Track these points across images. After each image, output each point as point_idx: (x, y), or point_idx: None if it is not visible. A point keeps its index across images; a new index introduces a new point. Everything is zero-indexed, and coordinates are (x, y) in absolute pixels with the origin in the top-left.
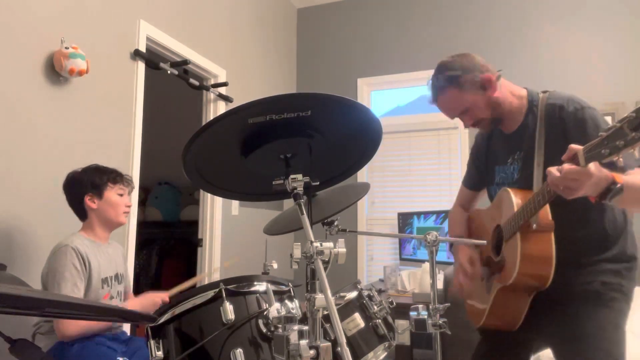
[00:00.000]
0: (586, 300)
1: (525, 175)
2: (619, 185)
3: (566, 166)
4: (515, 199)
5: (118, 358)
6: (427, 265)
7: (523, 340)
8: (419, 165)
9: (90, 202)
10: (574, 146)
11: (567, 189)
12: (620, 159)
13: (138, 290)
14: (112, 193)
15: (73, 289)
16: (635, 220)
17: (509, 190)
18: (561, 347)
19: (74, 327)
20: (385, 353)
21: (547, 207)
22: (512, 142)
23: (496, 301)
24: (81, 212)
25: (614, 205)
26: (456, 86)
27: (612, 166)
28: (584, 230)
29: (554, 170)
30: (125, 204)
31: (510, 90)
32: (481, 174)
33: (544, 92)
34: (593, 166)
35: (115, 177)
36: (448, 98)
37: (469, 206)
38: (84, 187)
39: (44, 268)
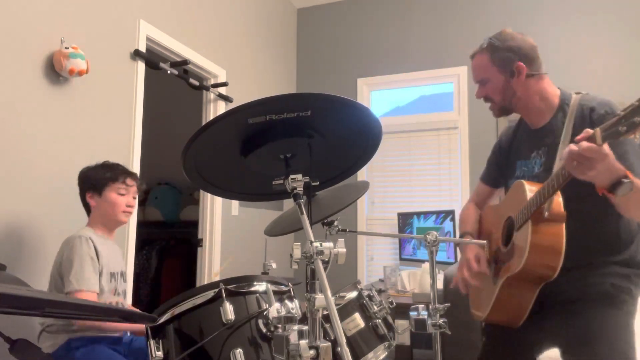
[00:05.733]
0: (596, 301)
1: (547, 169)
2: (629, 180)
3: (584, 143)
4: (529, 188)
5: None
6: (427, 265)
7: (530, 340)
8: (419, 165)
9: (90, 200)
10: (589, 130)
11: (580, 166)
12: (637, 137)
13: (138, 290)
14: (111, 192)
15: (94, 274)
16: None
17: (523, 181)
18: (571, 348)
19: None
20: (385, 353)
21: (560, 199)
22: (538, 137)
23: (502, 292)
24: (87, 207)
25: (620, 204)
26: (489, 54)
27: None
28: (597, 229)
29: (572, 145)
30: (126, 204)
31: (542, 91)
32: (501, 170)
33: (577, 93)
34: (608, 150)
35: (117, 175)
36: (479, 60)
37: (483, 204)
38: (86, 184)
39: (57, 259)
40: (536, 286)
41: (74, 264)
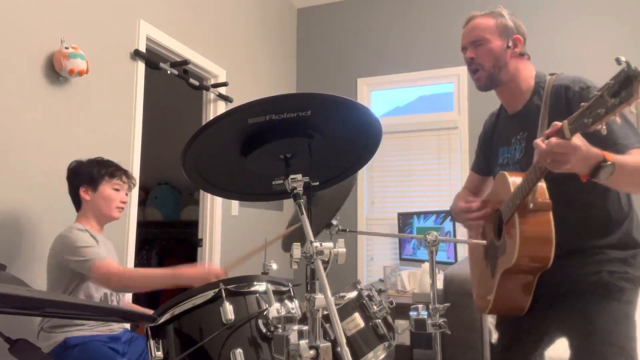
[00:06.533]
0: (595, 293)
1: (528, 155)
2: (609, 162)
3: (553, 139)
4: (512, 180)
5: (118, 358)
6: (427, 265)
7: (541, 331)
8: (419, 165)
9: (84, 194)
10: (557, 122)
11: (553, 162)
12: (604, 127)
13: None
14: (107, 187)
15: (98, 250)
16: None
17: (505, 173)
18: (575, 341)
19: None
20: (385, 353)
21: (544, 187)
22: (516, 123)
23: (501, 285)
24: (77, 202)
25: (608, 184)
26: (495, 19)
27: (605, 145)
28: (585, 212)
29: (539, 142)
30: (120, 200)
31: (526, 71)
32: (487, 158)
33: (552, 74)
34: (579, 140)
35: (113, 171)
36: (482, 21)
37: (477, 192)
38: (81, 178)
39: (50, 253)
40: (533, 276)
41: (80, 244)
